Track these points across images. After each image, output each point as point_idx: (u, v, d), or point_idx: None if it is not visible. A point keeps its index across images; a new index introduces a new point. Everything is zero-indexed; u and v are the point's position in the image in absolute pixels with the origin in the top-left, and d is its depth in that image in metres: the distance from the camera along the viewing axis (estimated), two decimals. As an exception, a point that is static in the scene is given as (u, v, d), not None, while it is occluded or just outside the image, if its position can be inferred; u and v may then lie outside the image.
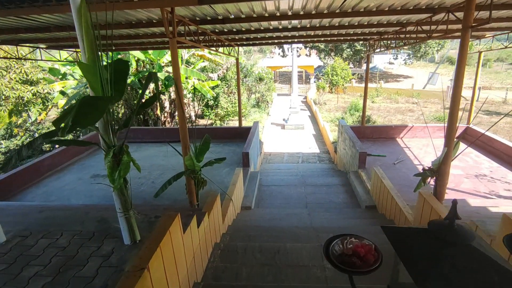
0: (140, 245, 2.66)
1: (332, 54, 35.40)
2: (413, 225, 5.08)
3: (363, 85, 29.45)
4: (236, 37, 8.59)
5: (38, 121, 14.73)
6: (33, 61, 11.78)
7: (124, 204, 2.53)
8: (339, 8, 5.48)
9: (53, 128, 1.96)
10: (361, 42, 8.55)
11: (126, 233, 2.65)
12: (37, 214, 3.40)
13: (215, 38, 7.57)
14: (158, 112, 13.12)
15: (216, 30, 7.36)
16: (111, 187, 2.40)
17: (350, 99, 24.21)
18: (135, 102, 12.62)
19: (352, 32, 8.47)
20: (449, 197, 6.72)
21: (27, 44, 8.59)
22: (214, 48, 7.84)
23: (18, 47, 8.63)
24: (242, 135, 10.48)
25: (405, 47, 36.50)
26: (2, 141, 10.91)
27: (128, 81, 12.01)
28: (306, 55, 29.41)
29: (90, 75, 2.09)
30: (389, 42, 8.62)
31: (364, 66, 40.81)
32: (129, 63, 11.61)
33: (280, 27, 7.41)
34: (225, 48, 9.28)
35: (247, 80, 21.74)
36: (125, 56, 11.73)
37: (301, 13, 5.84)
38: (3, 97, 10.88)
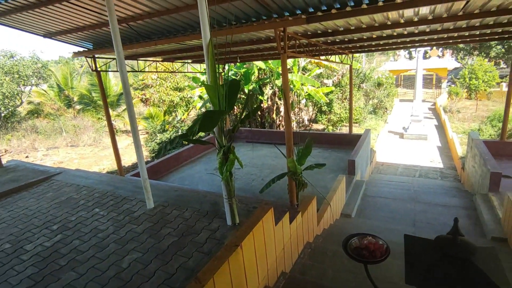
0: (238, 227, 3.31)
1: (475, 53, 29.75)
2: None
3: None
4: (350, 46, 8.62)
5: (182, 120, 18.29)
6: (182, 73, 14.64)
7: (228, 192, 3.23)
8: (461, 11, 4.98)
9: (186, 130, 2.80)
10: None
11: (228, 215, 3.36)
12: (173, 192, 4.55)
13: (326, 48, 7.86)
14: (274, 115, 14.26)
15: (328, 41, 7.65)
16: (220, 178, 3.13)
17: (496, 106, 20.01)
18: (254, 106, 14.13)
19: (489, 31, 7.28)
20: None
21: (179, 61, 10.89)
22: (324, 57, 8.13)
23: (173, 63, 11.06)
24: (351, 142, 10.36)
25: None
26: (158, 134, 14.12)
27: (250, 87, 13.55)
28: (438, 56, 25.88)
29: (211, 93, 2.84)
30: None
31: (523, 66, 32.71)
32: (241, 82, 13.13)
33: (395, 33, 7.09)
34: (338, 56, 9.42)
35: (365, 85, 20.89)
36: (249, 65, 13.29)
37: (430, 17, 5.53)
38: (161, 100, 14.19)
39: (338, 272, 4.18)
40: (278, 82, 12.81)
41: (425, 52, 28.13)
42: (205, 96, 15.11)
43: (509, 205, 5.72)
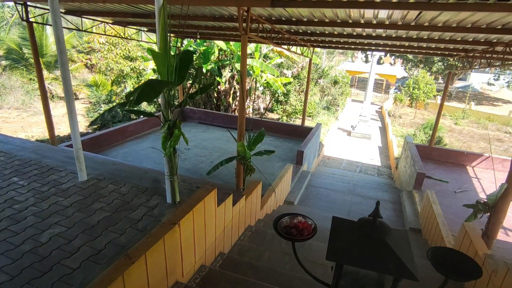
0: (178, 206, 3.20)
1: (421, 66, 32.47)
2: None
3: (449, 103, 26.74)
4: (312, 39, 8.75)
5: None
6: (136, 41, 13.65)
7: (171, 169, 3.09)
8: (414, 21, 5.30)
9: (125, 97, 2.56)
10: (455, 57, 7.82)
11: (169, 193, 3.22)
12: (111, 165, 4.24)
13: (289, 37, 7.87)
14: (230, 99, 14.08)
15: (292, 30, 7.66)
16: (163, 153, 2.96)
17: (430, 116, 22.19)
18: (211, 87, 13.78)
19: (433, 46, 7.92)
20: (505, 239, 6.03)
21: (133, 27, 10.08)
22: (286, 47, 8.15)
23: (126, 28, 10.20)
24: (303, 134, 10.66)
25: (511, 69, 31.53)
26: (102, 105, 13.06)
27: (209, 67, 13.14)
28: (390, 63, 27.65)
29: (159, 61, 2.64)
30: (474, 60, 7.84)
31: (456, 83, 36.51)
32: (195, 53, 12.64)
33: (354, 33, 7.36)
34: (299, 47, 9.53)
35: (322, 81, 21.56)
36: (210, 44, 12.83)
37: (374, 22, 5.78)
38: (109, 68, 13.05)
39: (274, 253, 4.30)
40: (238, 66, 12.60)
41: (380, 58, 29.83)
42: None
43: (426, 201, 6.42)
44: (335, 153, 14.11)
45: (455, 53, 8.40)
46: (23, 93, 16.66)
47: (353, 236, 1.28)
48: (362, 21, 5.86)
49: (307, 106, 16.83)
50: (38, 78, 6.78)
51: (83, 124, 14.53)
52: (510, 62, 6.86)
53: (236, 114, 14.37)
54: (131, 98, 2.15)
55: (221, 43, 12.37)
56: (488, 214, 5.02)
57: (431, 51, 8.80)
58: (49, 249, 2.49)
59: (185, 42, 12.87)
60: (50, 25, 8.47)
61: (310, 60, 10.34)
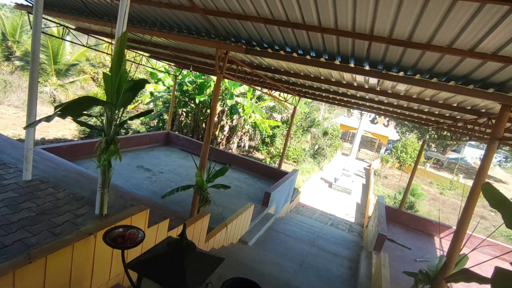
0: (104, 218, 3.30)
1: (415, 131, 33.58)
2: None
3: (439, 172, 27.17)
4: (296, 88, 9.31)
5: (127, 110, 17.61)
6: (137, 64, 14.37)
7: (103, 182, 3.24)
8: (390, 89, 5.73)
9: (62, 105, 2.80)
10: (445, 131, 8.17)
11: (98, 204, 3.34)
12: (61, 171, 4.39)
13: (272, 83, 8.39)
14: (217, 133, 14.47)
15: (275, 78, 8.20)
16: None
17: (416, 182, 22.46)
18: (201, 118, 14.27)
19: (415, 115, 8.38)
20: None
21: (135, 51, 10.71)
22: (267, 90, 8.64)
23: (128, 50, 10.86)
24: (278, 176, 10.83)
25: (504, 148, 32.57)
26: (93, 118, 13.41)
27: (202, 99, 13.69)
28: (384, 124, 28.61)
29: (107, 82, 2.94)
30: (443, 132, 8.28)
31: (449, 154, 37.40)
32: (191, 84, 13.16)
33: (349, 93, 7.81)
34: (285, 94, 10.07)
35: (315, 130, 22.20)
36: (206, 78, 13.53)
37: (354, 84, 6.24)
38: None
39: None
40: (229, 102, 13.16)
41: (374, 118, 30.98)
42: (156, 93, 14.90)
43: (378, 263, 6.39)
44: (311, 202, 14.14)
45: (429, 123, 8.89)
46: (24, 93, 17.12)
47: (161, 252, 1.43)
48: (344, 82, 6.33)
49: (293, 152, 17.22)
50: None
51: (73, 132, 14.78)
52: (466, 139, 7.26)
53: (221, 148, 14.67)
54: (57, 110, 2.38)
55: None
56: (429, 286, 5.01)
57: (423, 121, 9.30)
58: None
59: (184, 72, 13.57)
60: (57, 37, 9.02)
61: (295, 107, 10.85)
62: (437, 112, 7.00)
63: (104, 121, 3.08)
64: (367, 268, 7.20)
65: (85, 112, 2.88)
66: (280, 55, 4.94)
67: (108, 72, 2.98)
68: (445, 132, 8.36)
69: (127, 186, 7.85)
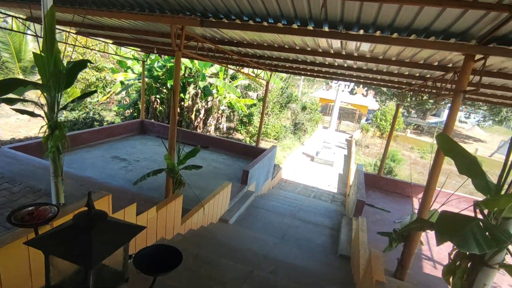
0: (62, 208, 3.13)
1: (395, 99, 34.05)
2: (359, 283, 4.84)
3: (420, 137, 27.86)
4: (266, 62, 9.09)
5: (100, 102, 16.96)
6: (103, 52, 13.72)
7: (55, 170, 3.05)
8: (355, 52, 5.61)
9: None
10: (425, 94, 8.14)
11: (53, 194, 3.17)
12: (19, 166, 4.16)
13: (239, 59, 8.13)
14: (193, 116, 14.16)
15: (242, 52, 7.94)
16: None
17: (397, 148, 22.99)
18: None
19: (387, 79, 8.36)
20: (432, 272, 6.15)
21: (96, 38, 10.11)
22: (233, 67, 8.40)
23: (88, 38, 10.28)
24: (257, 155, 10.76)
25: (483, 108, 33.52)
26: (64, 111, 12.82)
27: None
28: (363, 94, 28.84)
29: (39, 64, 2.69)
30: (415, 94, 8.35)
31: (429, 119, 38.35)
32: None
33: (308, 60, 7.67)
34: (256, 70, 9.84)
35: (294, 106, 22.12)
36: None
37: (319, 50, 6.08)
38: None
39: (176, 269, 4.21)
40: (202, 84, 12.82)
41: (353, 89, 31.13)
42: (127, 81, 14.35)
43: (356, 228, 6.52)
44: (293, 177, 14.25)
45: (402, 86, 8.92)
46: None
47: (68, 225, 1.31)
48: (309, 48, 6.16)
49: (272, 129, 17.17)
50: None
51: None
52: (435, 97, 7.34)
53: (198, 131, 14.43)
54: None
55: (187, 61, 12.60)
56: (403, 244, 5.15)
57: (382, 83, 9.30)
58: None
59: (153, 57, 13.04)
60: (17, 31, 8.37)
61: (267, 83, 10.66)
62: (407, 73, 6.97)
63: (47, 107, 2.84)
64: (347, 234, 7.35)
65: (15, 96, 2.64)
66: (237, 24, 4.72)
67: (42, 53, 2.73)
68: (420, 94, 8.41)
69: (102, 177, 7.61)
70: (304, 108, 21.33)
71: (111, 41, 10.64)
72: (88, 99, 15.46)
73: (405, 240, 5.07)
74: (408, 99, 10.17)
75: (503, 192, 1.97)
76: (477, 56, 4.03)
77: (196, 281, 4.08)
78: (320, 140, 22.68)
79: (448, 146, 2.26)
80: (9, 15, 8.32)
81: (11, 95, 2.50)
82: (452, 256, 2.13)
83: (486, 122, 38.40)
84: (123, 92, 15.86)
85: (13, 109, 3.17)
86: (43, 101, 2.97)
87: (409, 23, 3.87)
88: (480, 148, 26.68)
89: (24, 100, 2.86)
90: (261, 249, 5.89)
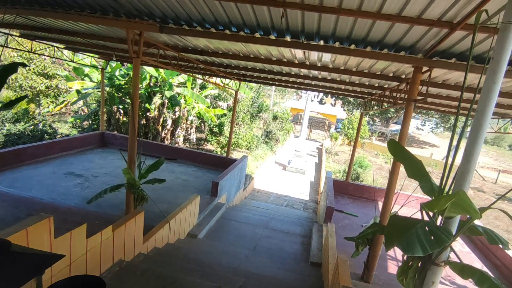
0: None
1: (361, 109, 35.37)
2: (330, 291, 4.76)
3: (384, 144, 29.04)
4: (234, 72, 9.00)
5: (52, 113, 15.82)
6: (53, 58, 12.95)
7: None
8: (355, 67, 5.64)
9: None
10: (384, 103, 8.40)
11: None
12: None
13: (205, 68, 7.98)
14: (160, 127, 13.71)
15: (208, 61, 7.81)
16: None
17: (364, 154, 23.79)
18: (140, 113, 13.37)
19: (350, 89, 8.59)
20: (392, 271, 6.24)
21: (43, 42, 9.40)
22: (200, 76, 8.23)
23: (33, 42, 9.50)
24: (227, 165, 10.55)
25: (435, 116, 35.89)
26: (7, 124, 11.77)
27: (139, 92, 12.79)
28: (331, 104, 29.68)
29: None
30: (376, 103, 8.63)
31: (392, 127, 40.24)
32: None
33: (270, 69, 7.69)
34: (224, 79, 9.72)
35: (266, 116, 22.21)
36: (141, 69, 12.63)
37: (284, 60, 6.08)
38: (17, 84, 12.02)
39: (136, 293, 3.89)
40: (168, 94, 12.46)
41: (322, 98, 31.99)
42: (84, 91, 13.59)
43: (326, 234, 6.50)
44: (266, 187, 14.16)
45: (365, 96, 9.19)
46: None
47: None
48: (274, 58, 6.13)
49: (243, 139, 17.07)
50: None
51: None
52: (391, 106, 7.63)
53: (166, 143, 13.98)
54: None
55: (151, 70, 12.23)
56: (368, 247, 5.17)
57: (346, 93, 9.52)
58: None
59: (113, 65, 12.51)
60: None
61: (236, 92, 10.57)
62: (367, 83, 7.20)
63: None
64: (318, 241, 7.30)
65: None
66: (198, 32, 4.59)
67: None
68: (380, 103, 8.71)
69: (51, 196, 6.99)
70: (275, 117, 21.51)
71: (62, 46, 9.98)
72: (37, 110, 14.44)
73: (369, 243, 5.10)
74: (371, 108, 10.53)
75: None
76: (424, 68, 4.32)
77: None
78: (291, 149, 22.88)
79: (397, 151, 2.29)
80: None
81: None
82: (405, 257, 2.18)
83: (438, 129, 41.41)
84: (80, 102, 14.97)
85: None
86: None
87: (365, 35, 3.99)
88: (435, 152, 28.37)
89: None
90: (232, 262, 5.66)
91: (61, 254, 1.16)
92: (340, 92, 9.70)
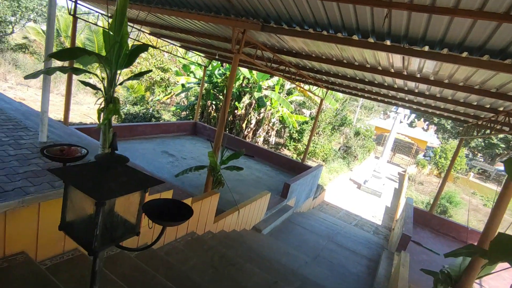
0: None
1: (461, 135, 31.11)
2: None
3: (486, 184, 24.93)
4: (323, 78, 8.99)
5: (161, 101, 18.29)
6: (171, 54, 14.78)
7: (103, 142, 3.30)
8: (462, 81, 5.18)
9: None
10: (495, 136, 7.38)
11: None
12: (75, 138, 4.56)
13: (296, 72, 8.16)
14: (244, 125, 14.47)
15: (299, 65, 7.98)
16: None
17: (456, 190, 20.81)
18: (229, 110, 14.38)
19: (452, 109, 7.71)
20: None
21: (166, 40, 10.99)
22: (289, 79, 8.42)
23: (159, 39, 11.19)
24: (301, 171, 10.55)
25: None
26: (127, 104, 14.06)
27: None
28: (423, 128, 26.90)
29: (105, 40, 2.98)
30: (482, 128, 7.53)
31: (498, 165, 34.28)
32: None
33: (362, 78, 7.47)
34: (311, 86, 9.78)
35: (348, 130, 21.43)
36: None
37: (392, 70, 5.83)
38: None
39: (201, 264, 4.22)
40: (257, 95, 13.09)
41: (413, 121, 29.25)
42: (188, 85, 15.26)
43: (398, 263, 5.93)
44: (336, 202, 13.63)
45: (469, 119, 8.15)
46: (75, 84, 18.39)
47: (91, 162, 1.35)
48: (368, 65, 5.96)
49: (321, 149, 16.77)
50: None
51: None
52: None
53: (247, 140, 14.65)
54: (49, 55, 2.44)
55: (245, 71, 13.03)
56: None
57: (446, 114, 8.57)
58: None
59: (214, 64, 13.74)
60: (95, 24, 9.51)
61: (321, 100, 10.50)
62: (475, 103, 6.35)
63: (106, 82, 3.12)
64: (387, 269, 6.73)
65: (81, 67, 2.93)
66: (297, 31, 4.77)
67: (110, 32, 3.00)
68: (487, 130, 7.55)
69: (149, 168, 8.08)
70: (357, 133, 20.56)
71: (179, 44, 11.45)
72: (150, 97, 16.74)
73: (453, 284, 4.47)
74: (475, 134, 9.18)
75: None
76: None
77: (218, 280, 4.02)
78: (370, 169, 21.53)
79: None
80: (97, 12, 9.42)
81: (78, 66, 2.80)
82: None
83: None
84: (182, 95, 16.87)
85: (80, 80, 3.52)
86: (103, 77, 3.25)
87: (483, 42, 3.54)
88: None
89: (88, 72, 3.15)
90: (291, 264, 5.65)
91: (161, 180, 1.40)
92: (438, 112, 8.74)
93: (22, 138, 4.02)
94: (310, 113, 16.47)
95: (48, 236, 2.82)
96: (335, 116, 18.54)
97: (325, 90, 10.40)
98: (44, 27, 21.72)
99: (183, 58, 12.55)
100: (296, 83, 8.85)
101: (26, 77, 2.74)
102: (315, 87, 10.77)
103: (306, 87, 10.12)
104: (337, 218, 11.71)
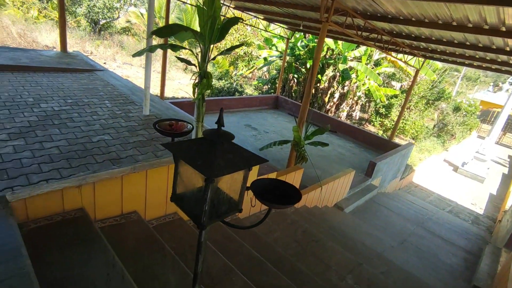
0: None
1: None
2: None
3: None
4: (421, 46, 7.89)
5: (243, 76, 18.83)
6: (254, 28, 14.79)
7: (197, 116, 3.51)
8: None
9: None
10: None
11: (194, 136, 3.67)
12: (172, 112, 4.99)
13: (389, 40, 7.32)
14: (326, 99, 13.89)
15: (394, 32, 7.11)
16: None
17: None
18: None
19: None
20: None
21: (250, 13, 10.94)
22: (381, 49, 7.60)
23: (243, 12, 11.24)
24: (388, 149, 9.78)
25: None
26: (214, 80, 14.87)
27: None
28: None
29: (200, 16, 3.05)
30: None
31: None
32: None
33: (474, 42, 6.28)
34: (405, 55, 8.70)
35: (445, 106, 18.82)
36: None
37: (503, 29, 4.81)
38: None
39: (285, 237, 4.33)
40: (341, 67, 12.29)
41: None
42: (270, 58, 15.23)
43: (507, 261, 5.11)
44: (427, 184, 12.35)
45: None
46: (168, 62, 20.20)
47: (199, 138, 1.38)
48: (486, 27, 4.97)
49: (411, 125, 15.17)
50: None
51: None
52: None
53: (329, 115, 14.13)
54: (151, 32, 2.61)
55: (330, 42, 12.29)
56: None
57: None
58: (92, 146, 3.28)
59: (297, 36, 13.29)
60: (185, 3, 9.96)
61: (417, 71, 9.29)
62: None
63: (200, 57, 3.25)
64: (491, 266, 5.88)
65: (178, 44, 3.09)
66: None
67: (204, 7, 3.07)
68: None
69: (234, 141, 8.49)
70: (457, 109, 17.82)
71: (262, 17, 11.33)
72: (234, 72, 17.29)
73: None
74: None
75: None
76: None
77: (301, 254, 4.07)
78: (470, 150, 18.73)
79: None
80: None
81: (176, 42, 2.98)
82: None
83: None
84: (264, 68, 16.96)
85: (177, 57, 3.76)
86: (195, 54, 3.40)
87: None
88: None
89: (183, 48, 3.32)
90: (375, 246, 5.39)
91: (265, 158, 1.38)
92: None
93: (130, 111, 4.57)
94: (401, 85, 14.83)
95: (154, 199, 3.21)
96: (431, 89, 16.30)
97: (421, 59, 9.15)
98: (143, 10, 24.04)
99: (265, 30, 12.40)
100: (389, 52, 7.95)
101: (134, 55, 3.04)
102: (409, 57, 9.59)
103: (399, 56, 9.05)
104: (427, 202, 10.66)
